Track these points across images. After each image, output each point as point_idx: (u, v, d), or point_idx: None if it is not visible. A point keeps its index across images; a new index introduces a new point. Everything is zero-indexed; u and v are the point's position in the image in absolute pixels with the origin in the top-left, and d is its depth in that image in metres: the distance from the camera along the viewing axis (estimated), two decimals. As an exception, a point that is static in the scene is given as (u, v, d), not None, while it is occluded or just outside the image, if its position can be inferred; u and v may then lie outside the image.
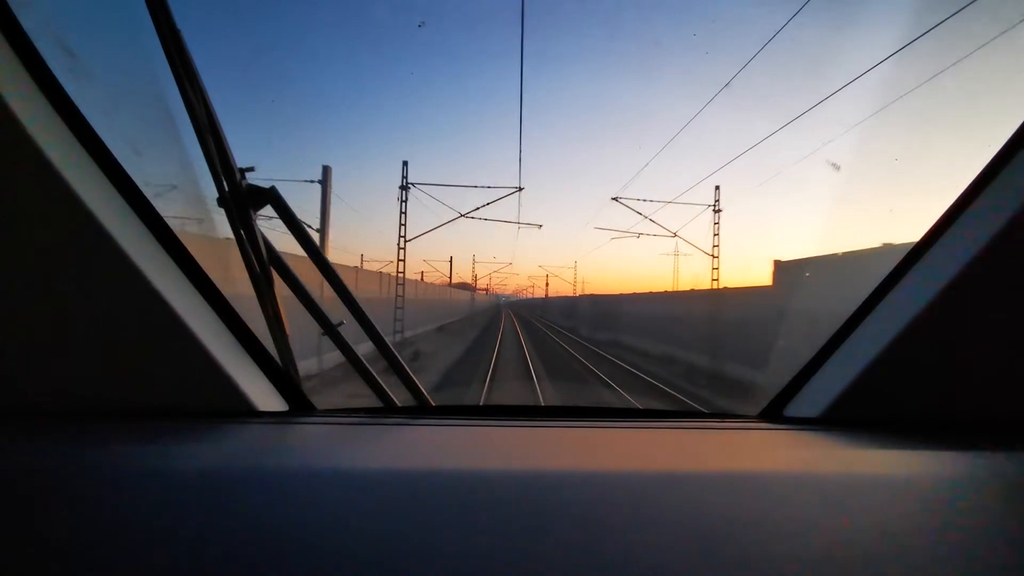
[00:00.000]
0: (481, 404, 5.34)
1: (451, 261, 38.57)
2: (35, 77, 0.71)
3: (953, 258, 0.83)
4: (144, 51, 0.86)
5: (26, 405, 0.85)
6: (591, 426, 0.98)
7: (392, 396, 1.12)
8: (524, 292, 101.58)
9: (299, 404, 1.04)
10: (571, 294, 51.03)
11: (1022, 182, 0.77)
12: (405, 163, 15.92)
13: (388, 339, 1.14)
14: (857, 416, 0.95)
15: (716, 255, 16.10)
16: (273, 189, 1.00)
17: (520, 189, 16.42)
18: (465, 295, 47.88)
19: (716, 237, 16.16)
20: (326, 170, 13.90)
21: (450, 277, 38.12)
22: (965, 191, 0.84)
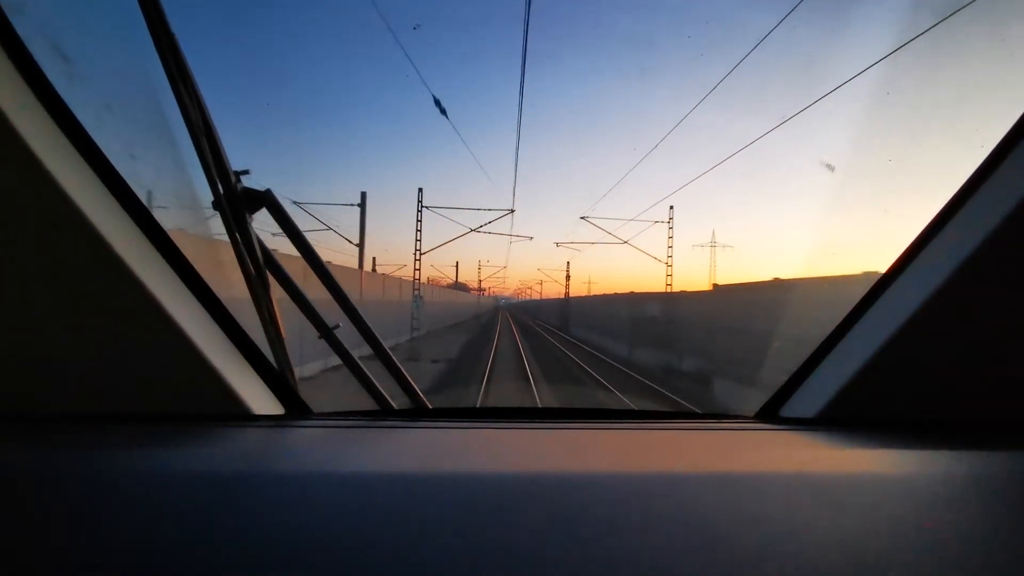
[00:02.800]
0: (478, 407, 5.35)
1: (456, 266, 44.53)
2: (29, 81, 0.71)
3: (948, 258, 0.83)
4: (139, 54, 0.86)
5: (23, 408, 0.84)
6: (588, 428, 0.98)
7: (389, 399, 1.12)
8: (524, 293, 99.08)
9: (295, 407, 1.03)
10: (560, 295, 39.01)
11: (1017, 181, 0.78)
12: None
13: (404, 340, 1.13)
14: (853, 416, 0.95)
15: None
16: (268, 192, 1.00)
17: (511, 211, 17.96)
18: (469, 296, 55.25)
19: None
20: (363, 195, 17.08)
21: (456, 278, 45.45)
22: (960, 190, 0.85)
